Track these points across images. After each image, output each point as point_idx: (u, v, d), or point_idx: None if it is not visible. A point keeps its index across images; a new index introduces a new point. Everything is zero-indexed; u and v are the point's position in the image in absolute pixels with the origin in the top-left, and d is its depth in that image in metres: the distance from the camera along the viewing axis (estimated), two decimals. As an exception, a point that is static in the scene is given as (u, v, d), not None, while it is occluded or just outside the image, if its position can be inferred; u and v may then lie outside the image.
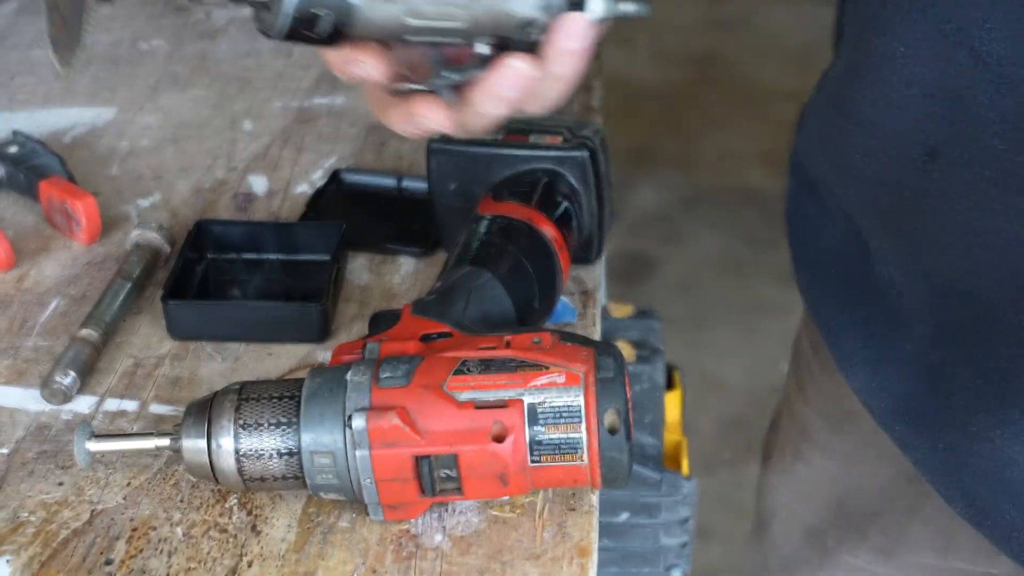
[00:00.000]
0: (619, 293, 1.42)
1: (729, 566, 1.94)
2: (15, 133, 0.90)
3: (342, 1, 0.54)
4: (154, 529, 0.62)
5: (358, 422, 0.57)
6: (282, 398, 0.60)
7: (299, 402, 0.60)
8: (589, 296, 0.77)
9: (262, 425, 0.60)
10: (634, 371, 0.84)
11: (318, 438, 0.58)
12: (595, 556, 0.60)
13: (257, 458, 0.60)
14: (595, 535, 0.61)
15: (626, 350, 0.85)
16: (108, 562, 0.60)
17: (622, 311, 0.88)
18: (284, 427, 0.59)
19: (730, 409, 2.23)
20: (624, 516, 0.84)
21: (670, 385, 0.89)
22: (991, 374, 0.66)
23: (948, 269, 0.67)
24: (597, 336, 0.75)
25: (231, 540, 0.61)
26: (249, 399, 0.61)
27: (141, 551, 0.61)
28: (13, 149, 0.89)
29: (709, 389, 2.19)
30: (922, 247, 0.69)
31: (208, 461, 0.60)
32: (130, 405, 0.70)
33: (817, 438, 0.89)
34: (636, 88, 3.10)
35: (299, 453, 0.59)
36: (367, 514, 0.60)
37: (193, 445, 0.60)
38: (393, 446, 0.57)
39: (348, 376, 0.59)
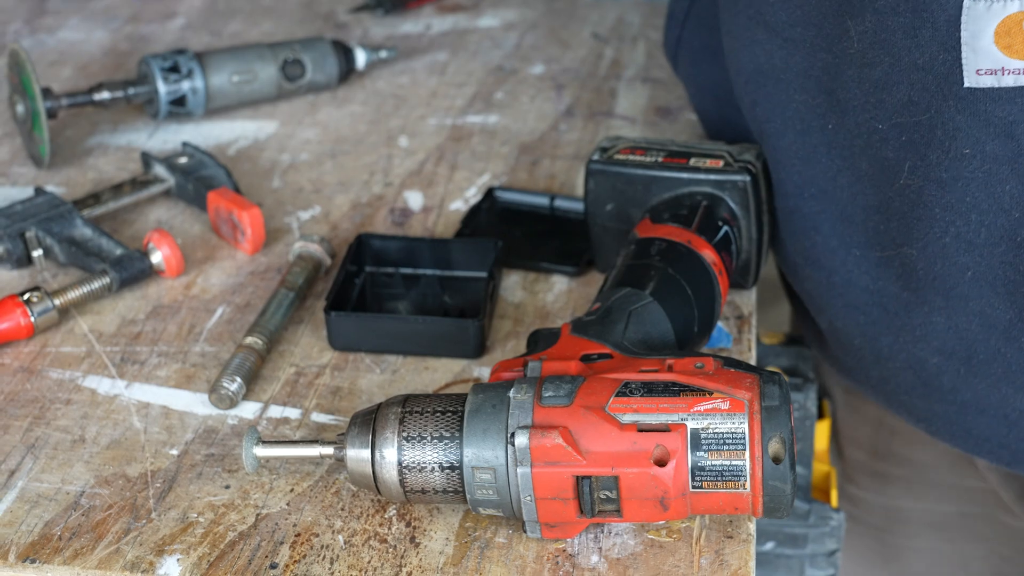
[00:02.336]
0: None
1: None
2: (184, 145, 0.93)
3: None
4: (316, 536, 0.63)
5: (521, 439, 0.58)
6: (445, 412, 0.61)
7: (462, 417, 0.60)
8: (745, 321, 0.76)
9: (425, 438, 0.60)
10: (785, 399, 0.83)
11: (480, 453, 0.59)
12: None
13: (419, 471, 0.60)
14: (752, 564, 0.60)
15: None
16: (273, 566, 0.61)
17: (773, 338, 0.87)
18: (447, 441, 0.60)
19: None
20: (769, 545, 0.83)
21: (820, 414, 0.88)
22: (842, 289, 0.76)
23: (792, 236, 0.78)
24: (752, 362, 0.74)
25: (391, 550, 0.62)
26: (413, 412, 0.61)
27: (304, 556, 0.62)
28: (183, 160, 0.91)
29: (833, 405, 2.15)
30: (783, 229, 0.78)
31: (371, 472, 0.61)
32: (293, 413, 0.72)
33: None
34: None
35: (460, 468, 0.60)
36: (524, 531, 0.60)
37: (357, 455, 0.61)
38: (555, 465, 0.57)
39: (511, 393, 0.60)
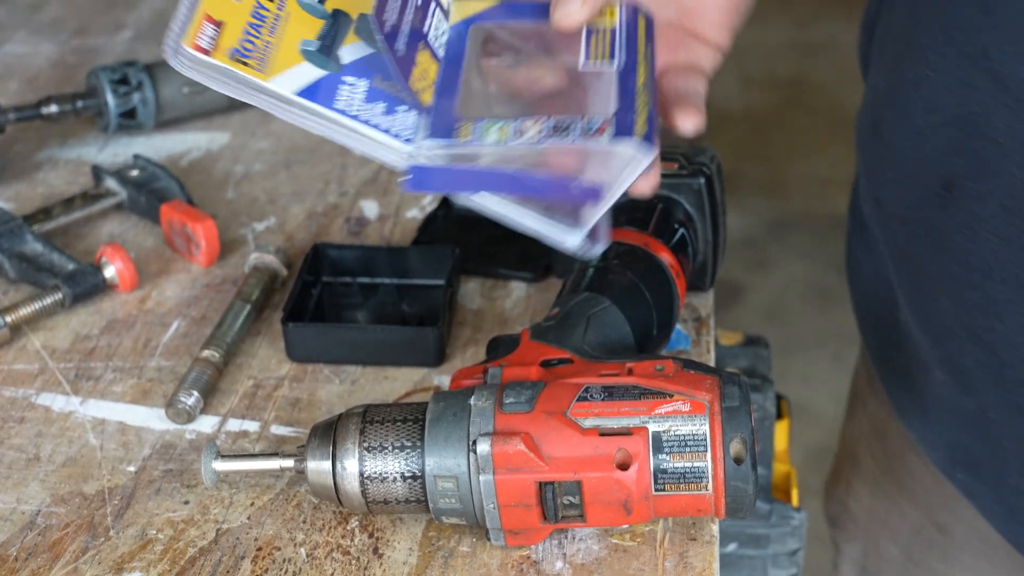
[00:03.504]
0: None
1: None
2: (136, 157, 0.92)
3: None
4: (278, 549, 0.62)
5: (483, 447, 0.57)
6: (406, 421, 0.61)
7: (423, 426, 0.60)
8: (703, 323, 0.76)
9: (386, 448, 0.60)
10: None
11: (442, 462, 0.59)
12: None
13: (381, 481, 0.60)
14: (716, 566, 0.60)
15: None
16: (233, 581, 0.61)
17: (731, 339, 0.87)
18: (408, 450, 0.60)
19: (818, 438, 2.19)
20: (732, 547, 0.83)
21: (779, 414, 0.88)
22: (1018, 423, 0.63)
23: (962, 311, 0.64)
24: (711, 361, 0.74)
25: (354, 562, 0.61)
26: (373, 422, 0.61)
27: (267, 571, 0.61)
28: (135, 173, 0.90)
29: (797, 417, 2.16)
30: (935, 288, 0.66)
31: (333, 483, 0.60)
32: (252, 426, 0.71)
33: (864, 467, 0.88)
34: (721, 112, 3.08)
35: (423, 477, 0.59)
36: (488, 539, 0.60)
37: (318, 467, 0.61)
38: (517, 472, 0.57)
39: (472, 401, 0.59)
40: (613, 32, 0.63)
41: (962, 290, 0.63)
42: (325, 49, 0.61)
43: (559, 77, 0.63)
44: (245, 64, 0.59)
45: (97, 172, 0.91)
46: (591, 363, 0.62)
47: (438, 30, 0.64)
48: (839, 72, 3.33)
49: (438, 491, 0.59)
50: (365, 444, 0.60)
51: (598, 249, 0.59)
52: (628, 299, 0.66)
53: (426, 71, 0.62)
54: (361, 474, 0.60)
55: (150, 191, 0.88)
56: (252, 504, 0.65)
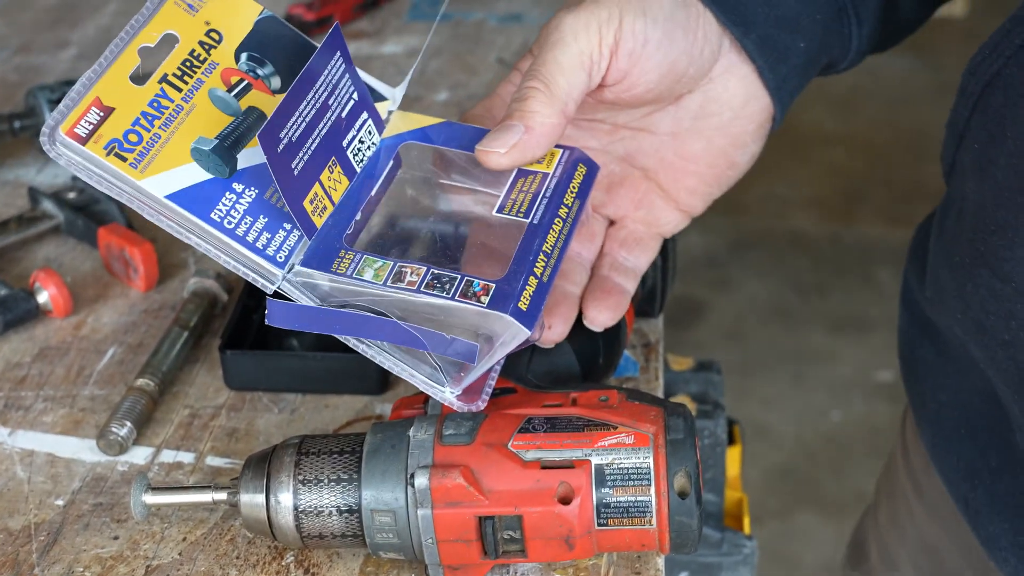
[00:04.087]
0: (666, 339, 1.39)
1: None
2: (74, 179, 0.90)
3: None
4: (212, 584, 0.61)
5: (421, 480, 0.55)
6: (343, 453, 0.59)
7: (360, 458, 0.58)
8: (651, 349, 0.75)
9: (322, 481, 0.58)
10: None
11: (379, 496, 0.57)
12: None
13: (316, 515, 0.58)
14: (661, 590, 0.59)
15: (685, 402, 0.82)
16: (163, 619, 0.59)
17: (682, 364, 0.86)
18: (345, 483, 0.58)
19: (778, 458, 2.20)
20: (683, 575, 0.81)
21: (730, 440, 0.87)
22: None
23: None
24: (660, 390, 0.73)
25: (288, 599, 0.60)
26: (309, 453, 0.59)
27: (198, 608, 0.59)
28: (73, 195, 0.88)
29: (756, 437, 2.16)
30: None
31: (266, 517, 0.59)
32: (186, 457, 0.69)
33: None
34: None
35: (359, 511, 0.57)
36: (427, 575, 0.59)
37: (251, 500, 0.59)
38: (456, 506, 0.55)
39: (410, 432, 0.58)
40: (544, 180, 0.60)
41: None
42: (221, 149, 0.57)
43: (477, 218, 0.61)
44: (121, 159, 0.55)
45: (33, 194, 0.89)
46: (535, 393, 0.60)
47: (363, 143, 0.61)
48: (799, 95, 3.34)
49: (375, 526, 0.57)
50: (300, 477, 0.58)
51: (475, 407, 0.57)
52: (574, 328, 0.64)
53: (334, 187, 0.59)
54: (296, 508, 0.58)
55: (88, 214, 0.86)
56: (184, 539, 0.63)
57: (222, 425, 0.71)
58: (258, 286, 0.57)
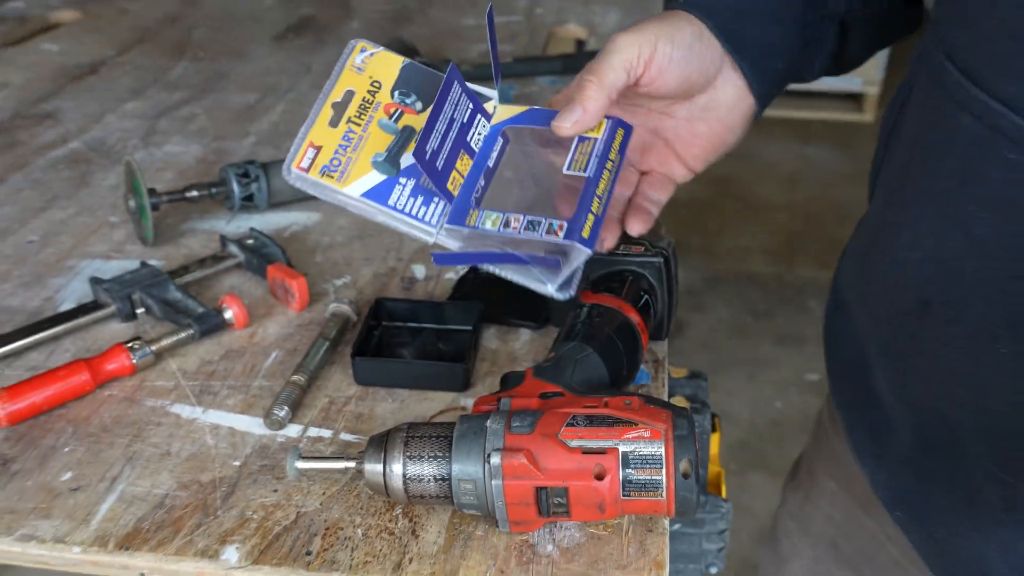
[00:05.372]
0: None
1: (734, 553, 1.86)
2: (251, 230, 0.89)
3: None
4: (341, 529, 0.59)
5: (495, 459, 0.54)
6: (439, 437, 0.57)
7: (451, 441, 0.56)
8: (659, 364, 0.72)
9: (424, 457, 0.56)
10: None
11: (464, 469, 0.55)
12: (667, 568, 0.56)
13: (419, 481, 0.56)
14: (667, 551, 0.56)
15: (681, 403, 0.80)
16: (308, 553, 0.57)
17: (679, 373, 0.83)
18: (439, 459, 0.56)
19: (736, 435, 2.15)
20: (676, 526, 0.79)
21: (713, 429, 0.84)
22: (960, 487, 0.58)
23: (930, 397, 0.59)
24: (664, 392, 0.70)
25: (397, 541, 0.58)
26: (415, 436, 0.57)
27: (332, 545, 0.58)
28: (250, 241, 0.87)
29: (721, 420, 2.11)
30: (909, 376, 0.60)
31: (383, 481, 0.57)
32: (326, 433, 0.67)
33: (824, 488, 0.82)
34: (673, 199, 3.04)
35: (449, 479, 0.56)
36: (496, 527, 0.57)
37: (373, 468, 0.57)
38: (520, 479, 0.54)
39: (488, 423, 0.56)
40: (595, 143, 0.61)
41: (935, 381, 0.58)
42: (390, 159, 0.60)
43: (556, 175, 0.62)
44: (331, 177, 0.60)
45: (223, 240, 0.88)
46: (577, 396, 0.58)
47: (480, 134, 0.63)
48: (756, 174, 3.31)
49: (460, 490, 0.55)
50: (408, 453, 0.57)
51: (567, 295, 0.59)
52: (606, 348, 0.63)
53: (463, 168, 0.61)
54: (404, 475, 0.56)
55: (260, 255, 0.85)
56: (324, 493, 0.62)
57: (351, 410, 0.70)
58: (423, 241, 0.61)
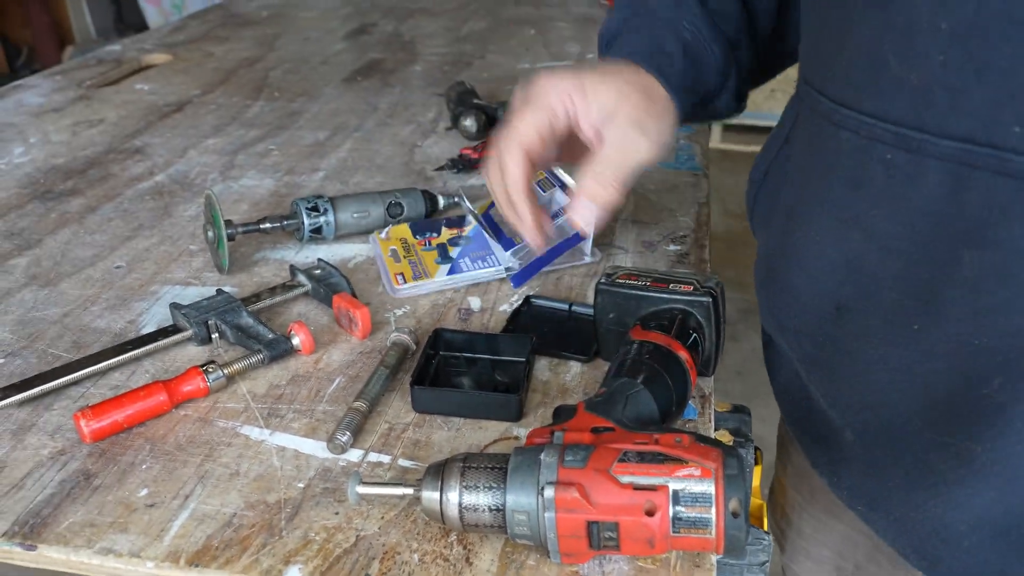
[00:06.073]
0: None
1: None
2: (319, 260, 0.88)
3: None
4: (399, 553, 0.57)
5: (548, 492, 0.51)
6: (494, 468, 0.55)
7: (506, 472, 0.54)
8: (706, 399, 0.70)
9: (479, 487, 0.54)
10: (733, 453, 0.76)
11: (518, 500, 0.53)
12: None
13: (474, 511, 0.54)
14: (714, 584, 0.54)
15: (725, 437, 0.77)
16: (367, 575, 0.55)
17: (722, 407, 0.80)
18: (494, 490, 0.54)
19: (768, 460, 2.10)
20: (718, 557, 0.75)
21: (756, 461, 0.81)
22: (909, 463, 0.57)
23: (860, 392, 0.58)
24: (711, 427, 0.67)
25: (452, 567, 0.55)
26: (471, 467, 0.55)
27: (390, 570, 0.55)
28: (318, 271, 0.86)
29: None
30: (839, 377, 0.60)
31: (440, 509, 0.55)
32: (385, 458, 0.66)
33: (793, 503, 0.83)
34: (710, 234, 3.00)
35: (504, 510, 0.53)
36: (548, 557, 0.54)
37: (430, 496, 0.55)
38: (572, 512, 0.51)
39: (542, 456, 0.53)
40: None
41: (862, 376, 0.58)
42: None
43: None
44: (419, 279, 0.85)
45: (292, 269, 0.87)
46: (628, 432, 0.55)
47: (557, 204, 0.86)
48: (788, 209, 3.25)
49: (514, 521, 0.53)
50: (464, 483, 0.55)
51: (595, 256, 0.80)
52: (655, 384, 0.60)
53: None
54: (460, 504, 0.54)
55: (327, 284, 0.84)
56: (382, 517, 0.60)
57: (409, 437, 0.68)
58: (499, 278, 0.86)
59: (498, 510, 0.54)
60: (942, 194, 0.49)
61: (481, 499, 0.54)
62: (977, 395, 0.52)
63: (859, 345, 0.57)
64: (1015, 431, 0.51)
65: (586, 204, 0.65)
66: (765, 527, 0.76)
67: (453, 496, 0.54)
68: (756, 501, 0.78)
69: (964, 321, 0.50)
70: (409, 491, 0.57)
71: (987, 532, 0.55)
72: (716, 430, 0.77)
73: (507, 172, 0.66)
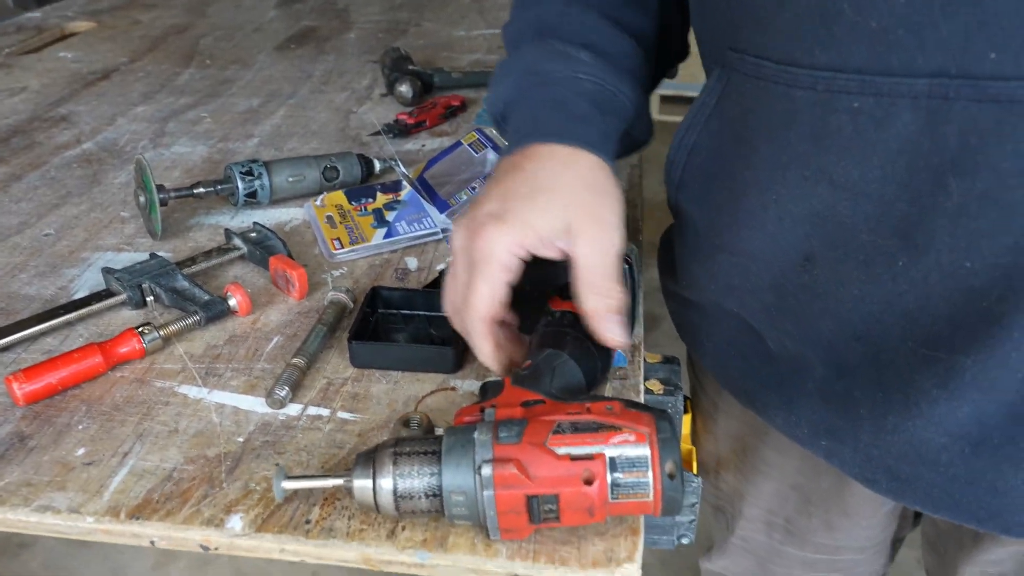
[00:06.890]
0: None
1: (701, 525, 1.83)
2: (254, 224, 0.82)
3: None
4: (339, 499, 0.52)
5: (486, 470, 0.47)
6: (427, 453, 0.49)
7: (438, 455, 0.49)
8: (636, 348, 0.67)
9: (412, 473, 0.48)
10: (662, 400, 0.72)
11: (455, 481, 0.48)
12: (643, 535, 0.50)
13: (409, 498, 0.49)
14: (642, 521, 0.51)
15: (656, 386, 0.74)
16: (307, 521, 0.51)
17: (653, 358, 0.77)
18: (429, 475, 0.48)
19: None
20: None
21: (685, 410, 0.79)
22: (890, 385, 0.53)
23: (841, 326, 0.54)
24: (641, 375, 0.64)
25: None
26: (403, 453, 0.49)
27: (330, 515, 0.51)
28: (253, 234, 0.80)
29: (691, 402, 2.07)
30: (811, 321, 0.55)
31: (373, 499, 0.49)
32: (324, 412, 0.61)
33: (727, 463, 0.79)
34: (648, 202, 2.98)
35: (440, 494, 0.48)
36: (487, 535, 0.50)
37: (362, 485, 0.49)
38: (511, 488, 0.47)
39: (475, 435, 0.48)
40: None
41: (840, 314, 0.53)
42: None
43: None
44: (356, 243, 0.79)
45: (228, 233, 0.80)
46: (558, 404, 0.51)
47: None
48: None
49: (452, 503, 0.48)
50: (397, 471, 0.49)
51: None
52: (580, 353, 0.55)
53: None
54: (395, 492, 0.49)
55: (263, 247, 0.78)
56: (322, 466, 0.55)
57: (348, 390, 0.63)
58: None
59: (434, 495, 0.48)
60: (916, 130, 0.45)
61: (415, 484, 0.48)
62: (976, 308, 0.47)
63: (834, 288, 0.52)
64: (1011, 340, 0.46)
65: (607, 320, 0.55)
66: (695, 471, 0.75)
67: (386, 483, 0.48)
68: (686, 446, 0.77)
69: (955, 249, 0.46)
70: (339, 482, 0.50)
71: (963, 445, 0.51)
72: (647, 379, 0.75)
73: (480, 351, 0.55)
